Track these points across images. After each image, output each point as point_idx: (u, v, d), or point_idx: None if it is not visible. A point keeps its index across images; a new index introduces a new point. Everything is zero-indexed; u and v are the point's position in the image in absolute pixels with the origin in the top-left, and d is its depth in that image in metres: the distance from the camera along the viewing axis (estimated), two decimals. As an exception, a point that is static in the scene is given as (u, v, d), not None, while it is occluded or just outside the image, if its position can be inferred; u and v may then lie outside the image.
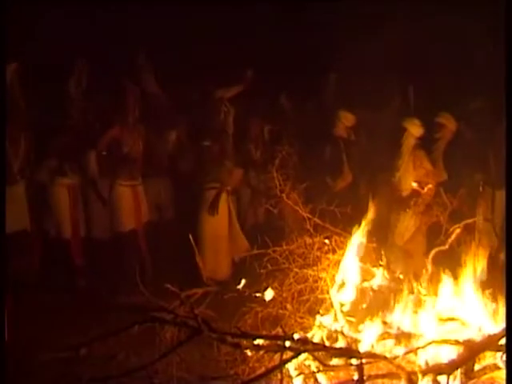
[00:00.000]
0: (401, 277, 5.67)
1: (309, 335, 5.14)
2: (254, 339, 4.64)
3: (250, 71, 8.01)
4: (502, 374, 4.86)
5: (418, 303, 5.34)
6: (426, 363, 4.78)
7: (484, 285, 5.30)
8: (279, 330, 5.09)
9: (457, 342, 4.81)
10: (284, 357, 4.47)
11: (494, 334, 4.87)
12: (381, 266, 5.64)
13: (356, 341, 4.97)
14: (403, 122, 7.49)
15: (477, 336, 4.93)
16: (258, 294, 5.54)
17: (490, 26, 7.45)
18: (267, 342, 4.64)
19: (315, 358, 4.67)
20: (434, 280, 5.50)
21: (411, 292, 5.40)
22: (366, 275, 5.57)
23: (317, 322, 5.33)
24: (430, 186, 6.91)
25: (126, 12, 8.11)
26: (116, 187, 7.57)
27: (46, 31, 7.77)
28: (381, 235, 6.19)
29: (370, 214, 5.57)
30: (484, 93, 7.28)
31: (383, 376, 4.76)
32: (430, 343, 4.82)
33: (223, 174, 7.71)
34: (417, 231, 6.94)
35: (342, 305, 5.27)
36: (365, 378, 4.59)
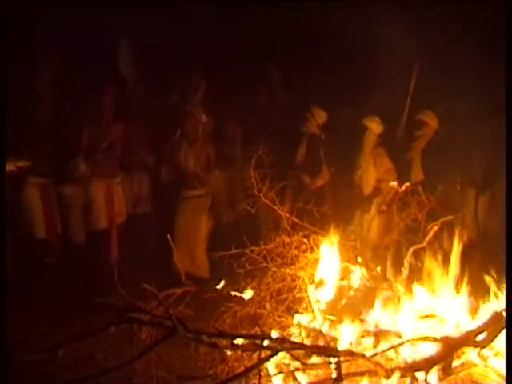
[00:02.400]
0: (378, 270, 5.70)
1: (287, 334, 5.15)
2: (233, 338, 4.64)
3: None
4: (479, 370, 4.92)
5: (396, 301, 5.37)
6: (405, 360, 4.81)
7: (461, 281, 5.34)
8: (258, 330, 5.08)
9: (434, 339, 4.84)
10: (262, 356, 4.48)
11: (472, 330, 4.91)
12: (358, 263, 5.66)
13: (334, 339, 4.98)
14: (364, 120, 7.51)
15: (454, 332, 4.96)
16: (236, 294, 5.53)
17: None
18: (245, 341, 4.64)
19: (293, 357, 4.67)
20: (412, 277, 5.52)
21: (389, 290, 5.43)
22: (344, 273, 5.59)
23: (295, 321, 5.34)
24: (407, 184, 6.91)
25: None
26: (90, 185, 7.54)
27: (24, 25, 7.65)
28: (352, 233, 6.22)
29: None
30: (469, 92, 7.27)
31: (362, 374, 4.78)
32: (407, 340, 4.85)
33: (210, 181, 7.77)
34: (394, 229, 6.94)
35: (319, 303, 5.28)
36: (343, 375, 4.60)
